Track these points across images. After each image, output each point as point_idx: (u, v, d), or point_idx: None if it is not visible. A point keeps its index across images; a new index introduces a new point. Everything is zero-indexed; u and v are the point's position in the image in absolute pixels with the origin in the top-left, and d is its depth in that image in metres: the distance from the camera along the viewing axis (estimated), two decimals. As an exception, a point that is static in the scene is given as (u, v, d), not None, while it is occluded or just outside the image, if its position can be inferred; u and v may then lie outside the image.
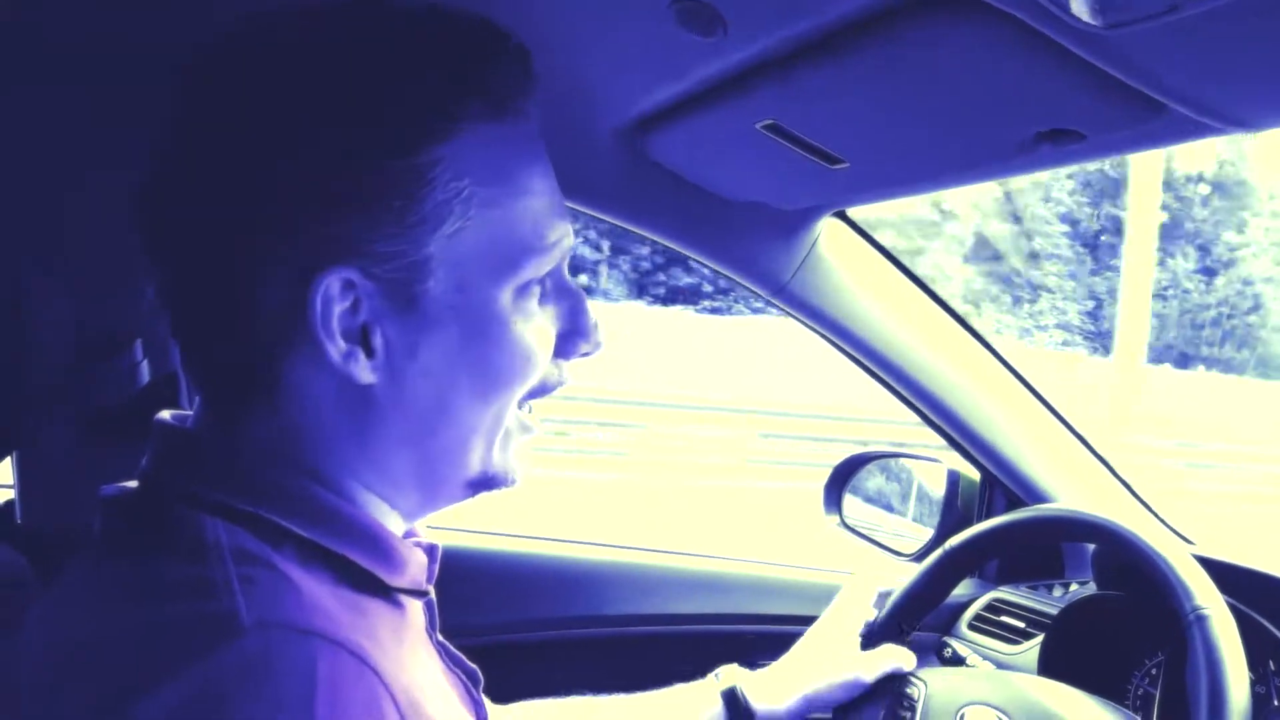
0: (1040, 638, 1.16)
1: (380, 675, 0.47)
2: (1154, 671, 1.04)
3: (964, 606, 1.30)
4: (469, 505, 0.63)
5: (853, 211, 1.13)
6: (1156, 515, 1.30)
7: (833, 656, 0.94)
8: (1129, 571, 1.03)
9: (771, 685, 0.93)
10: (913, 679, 0.90)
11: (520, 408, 0.60)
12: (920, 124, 0.74)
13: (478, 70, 0.53)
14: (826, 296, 1.16)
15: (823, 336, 1.21)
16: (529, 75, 0.56)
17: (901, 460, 1.39)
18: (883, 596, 1.02)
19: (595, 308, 0.63)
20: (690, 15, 0.65)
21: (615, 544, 1.36)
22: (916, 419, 1.29)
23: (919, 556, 1.28)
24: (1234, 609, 0.78)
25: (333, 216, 0.50)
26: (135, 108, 0.75)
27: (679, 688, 0.94)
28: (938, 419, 1.25)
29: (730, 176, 1.00)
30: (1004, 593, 1.29)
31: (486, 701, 0.72)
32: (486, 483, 0.60)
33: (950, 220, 20.18)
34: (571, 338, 0.62)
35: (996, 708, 0.85)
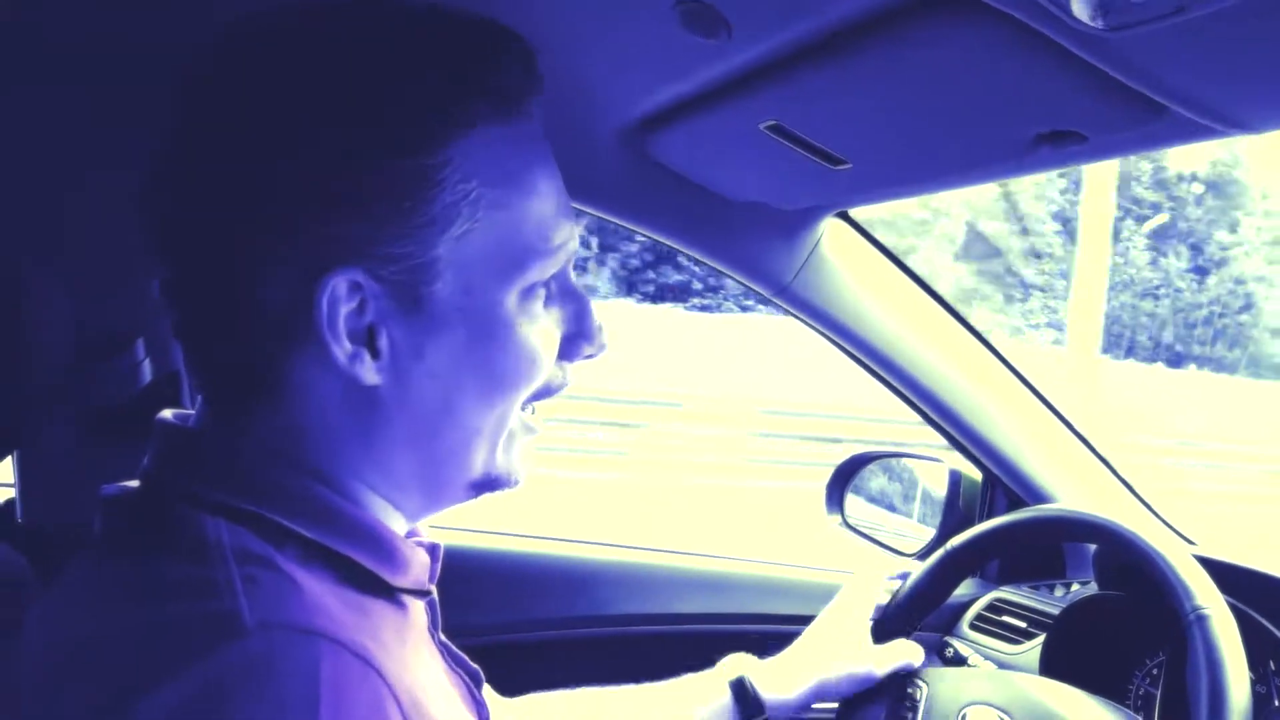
0: (1042, 638, 1.16)
1: (384, 676, 0.47)
2: (1155, 671, 1.04)
3: (965, 606, 1.30)
4: (470, 505, 0.63)
5: (854, 212, 1.13)
6: (1157, 515, 1.30)
7: (845, 646, 0.93)
8: (1130, 571, 1.03)
9: (781, 675, 0.91)
10: (915, 679, 0.90)
11: (524, 409, 0.60)
12: (922, 125, 0.74)
13: (481, 71, 0.53)
14: (829, 296, 1.16)
15: (825, 336, 1.21)
16: (534, 76, 0.56)
17: (903, 460, 1.39)
18: (901, 578, 1.01)
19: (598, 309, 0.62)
20: (694, 17, 0.65)
21: (617, 544, 1.36)
22: (917, 418, 1.28)
23: (921, 556, 1.28)
24: (1234, 609, 0.78)
25: (334, 217, 0.50)
26: (135, 108, 0.75)
27: (686, 678, 0.92)
28: (940, 419, 1.25)
29: (733, 177, 1.00)
30: (1005, 593, 1.29)
31: (492, 692, 0.71)
32: (490, 484, 0.60)
33: (941, 218, 20.09)
34: (576, 340, 0.62)
35: (998, 708, 0.85)
